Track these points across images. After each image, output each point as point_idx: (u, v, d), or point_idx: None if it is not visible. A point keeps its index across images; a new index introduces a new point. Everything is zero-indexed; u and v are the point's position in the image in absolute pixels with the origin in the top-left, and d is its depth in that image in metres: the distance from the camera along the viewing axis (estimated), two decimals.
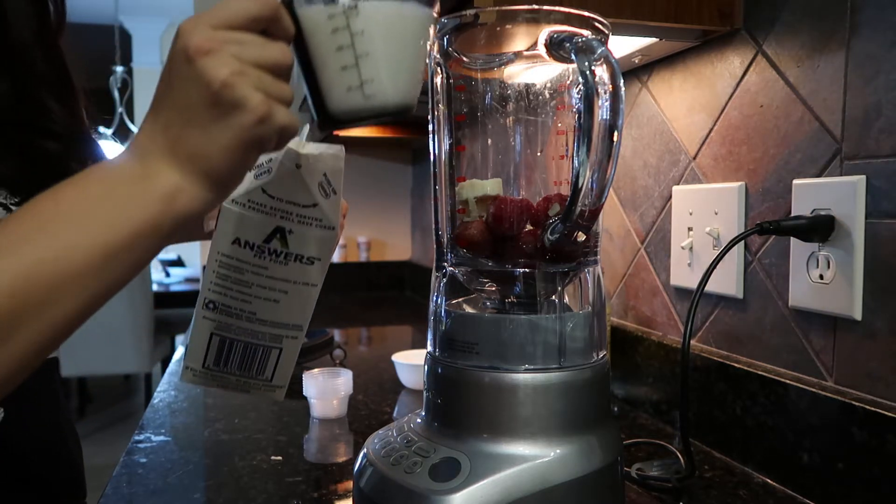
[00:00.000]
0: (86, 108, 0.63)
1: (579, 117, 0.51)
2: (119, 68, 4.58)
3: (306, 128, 0.56)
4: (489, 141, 0.61)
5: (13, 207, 0.56)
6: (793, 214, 0.71)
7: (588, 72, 0.49)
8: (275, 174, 0.53)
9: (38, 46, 0.57)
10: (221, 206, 0.54)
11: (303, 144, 0.54)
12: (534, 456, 0.53)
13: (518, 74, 0.60)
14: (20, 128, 0.57)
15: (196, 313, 0.57)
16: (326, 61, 0.41)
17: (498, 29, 0.58)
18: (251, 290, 0.56)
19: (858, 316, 0.65)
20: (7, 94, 0.55)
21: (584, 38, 0.51)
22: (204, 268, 0.57)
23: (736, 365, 0.78)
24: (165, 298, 3.59)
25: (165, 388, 1.09)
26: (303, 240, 0.55)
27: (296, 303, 0.57)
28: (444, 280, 0.62)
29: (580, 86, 0.50)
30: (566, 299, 0.60)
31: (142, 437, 0.87)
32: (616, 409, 0.98)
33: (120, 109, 4.66)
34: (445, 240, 0.61)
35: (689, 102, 0.89)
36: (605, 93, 0.49)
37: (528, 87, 0.60)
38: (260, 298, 0.56)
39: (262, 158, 0.53)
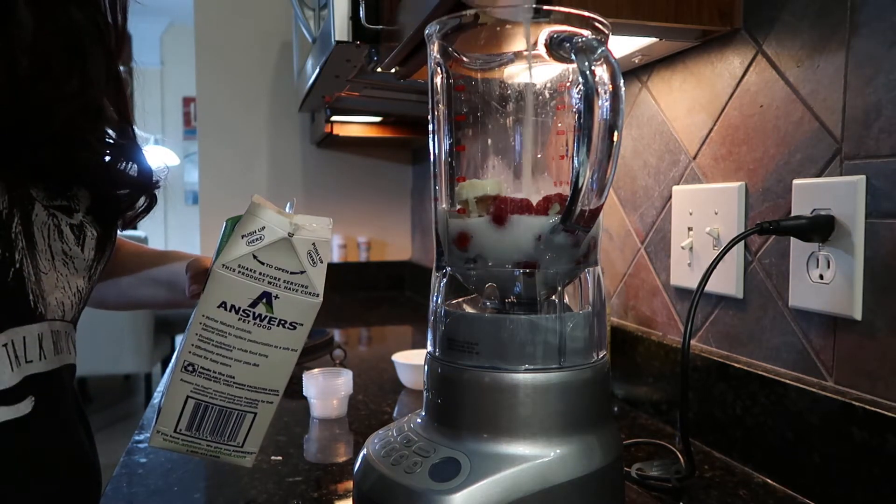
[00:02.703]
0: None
1: (579, 117, 0.51)
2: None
3: (293, 201, 0.59)
4: (489, 141, 0.61)
5: (55, 212, 0.58)
6: (793, 214, 0.71)
7: (588, 72, 0.49)
8: (266, 241, 0.55)
9: (103, 58, 0.60)
10: (211, 271, 0.56)
11: (292, 215, 0.57)
12: (534, 456, 0.53)
13: (518, 74, 0.60)
14: (79, 130, 0.59)
15: (173, 375, 0.58)
16: None
17: (498, 29, 0.58)
18: (232, 353, 0.58)
19: (858, 316, 0.65)
20: (76, 94, 0.57)
21: (584, 38, 0.51)
22: (185, 330, 0.58)
23: (736, 365, 0.78)
24: None
25: None
26: (288, 305, 0.57)
27: (275, 367, 0.59)
28: (444, 280, 0.62)
29: (580, 86, 0.50)
30: (566, 299, 0.60)
31: (142, 437, 0.87)
32: (616, 409, 0.99)
33: None
34: (445, 240, 0.61)
35: (689, 102, 0.89)
36: (605, 93, 0.49)
37: (528, 87, 0.60)
38: (240, 362, 0.58)
39: (255, 225, 0.55)
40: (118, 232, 0.68)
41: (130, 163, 0.65)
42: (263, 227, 0.55)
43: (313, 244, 0.57)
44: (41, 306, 0.56)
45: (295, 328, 0.58)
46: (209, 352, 0.57)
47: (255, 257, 0.55)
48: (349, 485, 0.74)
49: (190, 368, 0.57)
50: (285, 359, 0.59)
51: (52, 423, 0.57)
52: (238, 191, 2.28)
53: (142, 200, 0.67)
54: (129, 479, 0.75)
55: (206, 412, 0.59)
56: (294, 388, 1.02)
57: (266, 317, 0.57)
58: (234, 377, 0.58)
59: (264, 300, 0.56)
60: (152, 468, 0.78)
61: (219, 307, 0.56)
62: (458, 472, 0.52)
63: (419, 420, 0.61)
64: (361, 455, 0.61)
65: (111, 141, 0.63)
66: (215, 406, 0.59)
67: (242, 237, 0.55)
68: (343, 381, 0.97)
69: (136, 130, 0.66)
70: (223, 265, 0.55)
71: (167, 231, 5.74)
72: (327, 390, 0.95)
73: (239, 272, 0.55)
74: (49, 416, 0.57)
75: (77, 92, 0.57)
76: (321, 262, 0.57)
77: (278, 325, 0.57)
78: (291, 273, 0.56)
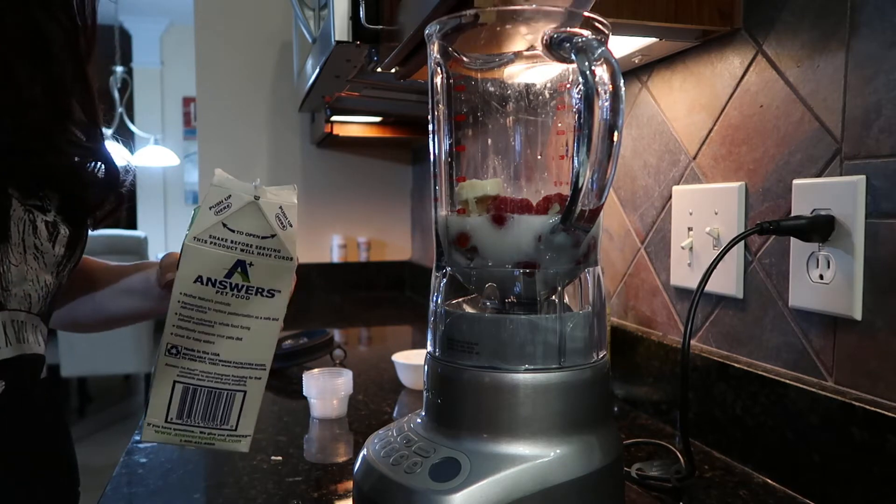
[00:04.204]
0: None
1: (579, 117, 0.51)
2: (119, 68, 4.59)
3: (258, 181, 0.58)
4: (489, 141, 0.61)
5: (31, 208, 0.58)
6: (793, 214, 0.71)
7: (588, 72, 0.49)
8: (234, 208, 0.55)
9: (70, 61, 0.60)
10: (183, 246, 0.55)
11: (257, 186, 0.57)
12: (534, 456, 0.53)
13: (518, 74, 0.60)
14: (45, 133, 0.59)
15: (158, 362, 0.58)
16: None
17: (498, 29, 0.58)
18: (214, 329, 0.57)
19: (858, 316, 0.65)
20: (38, 100, 0.57)
21: (584, 38, 0.51)
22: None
23: (736, 365, 0.78)
24: None
25: None
26: (263, 272, 0.57)
27: (259, 339, 0.59)
28: (444, 280, 0.62)
29: (580, 86, 0.50)
30: (566, 299, 0.60)
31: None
32: (616, 409, 0.98)
33: (120, 109, 4.67)
34: (445, 240, 0.61)
35: (689, 102, 0.89)
36: (605, 93, 0.49)
37: (528, 87, 0.60)
38: (223, 337, 0.58)
39: (222, 195, 0.55)
40: (89, 231, 0.68)
41: (98, 164, 0.65)
42: (230, 196, 0.55)
43: (280, 207, 0.57)
44: (2, 296, 0.56)
45: (273, 295, 0.58)
46: (191, 330, 0.57)
47: (224, 226, 0.55)
48: (349, 485, 0.74)
49: (174, 351, 0.57)
50: (268, 329, 0.59)
51: (18, 410, 0.57)
52: None
53: (110, 199, 0.67)
54: (129, 479, 0.75)
55: (195, 396, 0.59)
56: (294, 388, 1.02)
57: (243, 286, 0.57)
58: (218, 354, 0.58)
59: (239, 269, 0.56)
60: (152, 468, 0.78)
61: (195, 282, 0.56)
62: (458, 473, 0.52)
63: (419, 420, 0.61)
64: (361, 455, 0.61)
65: (79, 143, 0.63)
66: (204, 388, 0.59)
67: (210, 208, 0.55)
68: (343, 381, 0.97)
69: (133, 128, 0.66)
70: (194, 238, 0.55)
71: (167, 231, 5.74)
72: (327, 390, 0.95)
73: (211, 243, 0.55)
74: (16, 402, 0.57)
75: (41, 98, 0.57)
76: (290, 225, 0.57)
77: (256, 294, 0.57)
78: (263, 238, 0.56)
